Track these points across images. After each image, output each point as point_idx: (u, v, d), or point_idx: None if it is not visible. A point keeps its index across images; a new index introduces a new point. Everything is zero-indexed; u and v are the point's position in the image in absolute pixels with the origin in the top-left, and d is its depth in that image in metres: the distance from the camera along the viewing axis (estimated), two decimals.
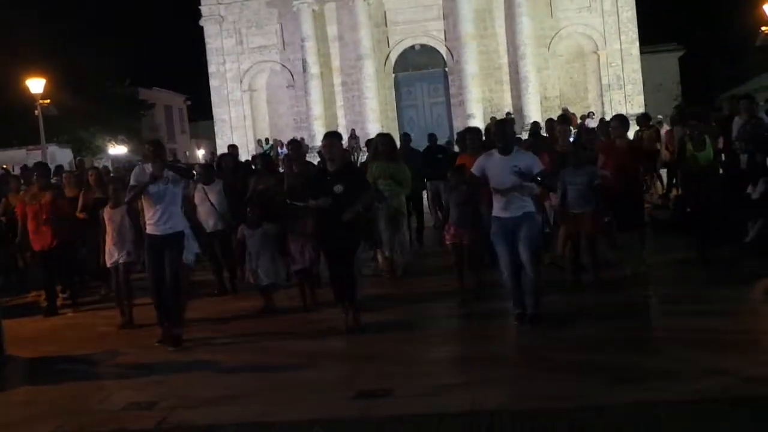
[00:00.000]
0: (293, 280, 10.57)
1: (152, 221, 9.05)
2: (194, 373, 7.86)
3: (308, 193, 9.26)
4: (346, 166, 9.36)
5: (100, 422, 6.58)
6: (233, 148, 19.09)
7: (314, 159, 23.05)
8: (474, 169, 8.75)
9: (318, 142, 32.05)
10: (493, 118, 34.37)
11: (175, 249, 9.07)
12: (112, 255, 10.49)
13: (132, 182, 9.13)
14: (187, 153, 54.54)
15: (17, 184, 14.71)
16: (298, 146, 13.10)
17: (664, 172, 18.88)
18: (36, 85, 28.85)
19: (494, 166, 8.53)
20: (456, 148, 16.54)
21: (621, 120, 11.36)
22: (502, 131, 8.96)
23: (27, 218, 11.94)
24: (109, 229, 10.51)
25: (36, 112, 28.81)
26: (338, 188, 8.73)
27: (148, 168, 9.03)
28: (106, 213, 10.60)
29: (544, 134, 15.46)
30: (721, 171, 12.53)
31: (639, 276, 10.50)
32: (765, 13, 27.79)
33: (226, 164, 13.89)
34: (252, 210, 10.60)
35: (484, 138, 12.54)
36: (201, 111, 50.27)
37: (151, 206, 9.03)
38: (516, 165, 8.38)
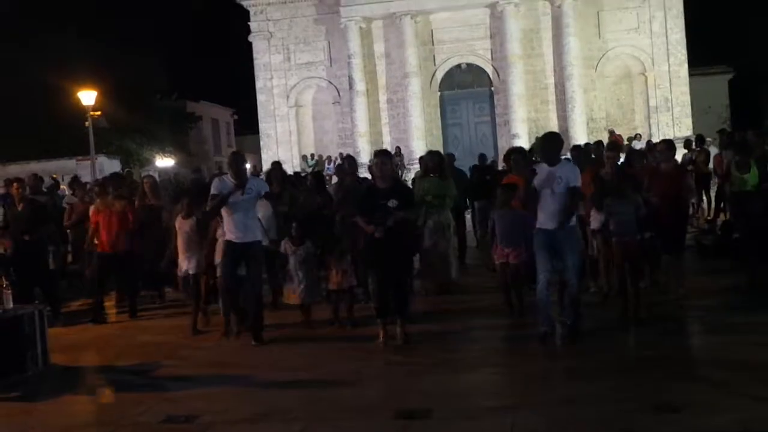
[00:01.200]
0: (331, 298, 10.58)
1: (231, 229, 9.45)
2: (233, 387, 7.88)
3: (359, 208, 9.39)
4: (396, 183, 9.52)
5: None
6: (277, 165, 19.10)
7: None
8: (535, 184, 8.77)
9: (363, 159, 32.18)
10: (537, 138, 34.23)
11: (255, 257, 9.51)
12: (182, 265, 10.72)
13: (213, 192, 9.52)
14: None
15: (82, 193, 15.02)
16: (353, 160, 13.23)
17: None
18: (87, 97, 29.28)
19: (542, 178, 8.60)
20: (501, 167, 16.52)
21: (668, 144, 11.28)
22: (547, 143, 9.08)
23: (99, 225, 12.22)
24: (180, 239, 10.72)
25: (86, 123, 29.24)
26: (393, 203, 8.91)
27: (229, 179, 9.42)
28: (178, 223, 10.83)
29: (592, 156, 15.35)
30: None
31: (678, 300, 10.37)
32: None
33: (276, 179, 13.84)
34: (297, 227, 10.65)
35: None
36: (247, 125, 50.69)
37: (230, 215, 9.42)
38: (560, 176, 8.58)
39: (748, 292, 10.57)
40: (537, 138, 33.01)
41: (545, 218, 8.64)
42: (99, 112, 30.30)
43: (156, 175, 32.22)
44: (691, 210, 17.64)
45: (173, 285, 12.70)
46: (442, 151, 27.64)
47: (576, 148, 14.01)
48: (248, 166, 12.83)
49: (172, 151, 43.77)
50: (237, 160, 9.76)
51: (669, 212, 10.39)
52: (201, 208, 10.27)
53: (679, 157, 19.16)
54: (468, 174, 16.62)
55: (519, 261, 9.98)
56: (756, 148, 13.71)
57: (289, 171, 29.35)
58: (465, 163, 20.68)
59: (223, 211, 9.55)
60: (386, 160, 9.40)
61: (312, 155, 38.35)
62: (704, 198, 19.79)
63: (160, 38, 45.85)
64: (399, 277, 9.15)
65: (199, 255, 10.64)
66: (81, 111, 29.82)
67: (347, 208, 10.73)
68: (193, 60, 49.99)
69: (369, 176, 14.02)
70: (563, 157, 15.81)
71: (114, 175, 14.03)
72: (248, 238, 9.46)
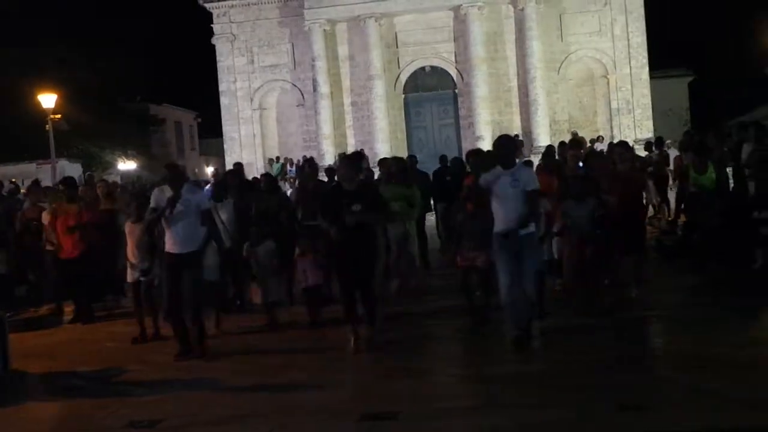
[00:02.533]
0: (298, 299, 10.57)
1: (171, 240, 9.21)
2: (198, 392, 7.84)
3: (324, 211, 9.33)
4: (363, 186, 9.49)
5: None
6: (238, 166, 19.02)
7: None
8: (481, 181, 8.82)
9: (328, 161, 32.18)
10: None
11: (195, 268, 9.20)
12: (132, 270, 10.58)
13: (152, 204, 9.31)
14: (196, 170, 54.63)
15: (36, 197, 14.82)
16: (314, 163, 13.21)
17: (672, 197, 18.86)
18: (47, 99, 28.95)
19: (496, 182, 8.62)
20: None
21: (625, 146, 11.43)
22: (500, 146, 9.07)
23: (55, 229, 12.12)
24: (129, 243, 10.60)
25: (47, 126, 28.92)
26: (356, 207, 8.89)
27: (167, 191, 9.17)
28: (127, 227, 10.70)
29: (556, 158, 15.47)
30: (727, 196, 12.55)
31: (635, 300, 10.50)
32: None
33: (232, 182, 13.76)
34: (256, 228, 10.64)
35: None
36: (211, 128, 50.40)
37: (169, 226, 9.18)
38: (516, 179, 8.55)
39: (708, 292, 10.71)
40: None
41: (502, 222, 8.66)
42: (59, 115, 29.97)
43: (118, 179, 32.07)
44: (652, 211, 17.87)
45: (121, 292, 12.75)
46: (406, 154, 27.84)
47: (545, 155, 14.14)
48: (211, 169, 12.64)
49: (134, 154, 43.41)
50: (171, 175, 9.39)
51: (627, 213, 10.50)
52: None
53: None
54: (431, 176, 16.64)
55: (488, 265, 10.00)
56: (715, 150, 13.90)
57: (254, 174, 29.30)
58: (430, 165, 20.73)
59: (163, 222, 9.31)
60: (353, 164, 9.42)
61: (277, 158, 38.26)
62: (662, 201, 20.03)
63: (122, 41, 45.49)
64: (364, 281, 9.11)
65: (150, 260, 10.46)
66: (41, 114, 29.49)
67: (310, 211, 10.74)
68: (156, 63, 49.58)
69: (327, 179, 14.07)
70: (525, 159, 15.97)
71: (66, 178, 13.88)
72: (186, 248, 9.15)
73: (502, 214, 8.64)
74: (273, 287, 10.41)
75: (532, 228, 8.71)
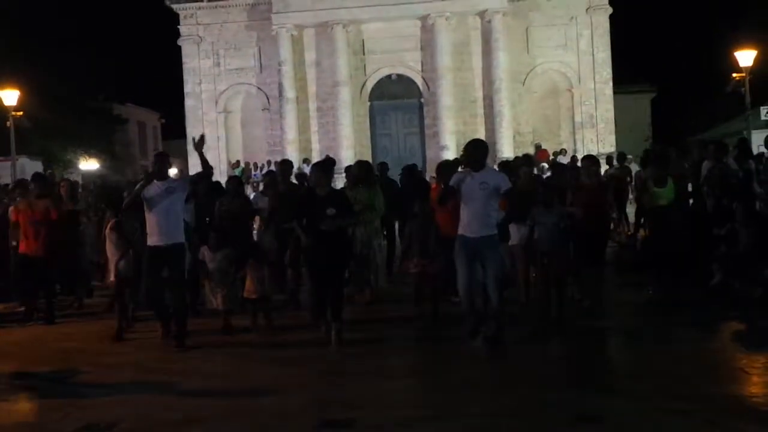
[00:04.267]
0: (246, 306, 10.54)
1: (151, 232, 9.31)
2: (154, 394, 7.78)
3: (299, 214, 9.51)
4: (334, 191, 9.62)
5: None
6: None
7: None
8: (452, 182, 8.87)
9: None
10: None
11: (178, 260, 9.38)
12: (113, 270, 10.66)
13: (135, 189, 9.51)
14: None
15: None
16: (287, 166, 13.15)
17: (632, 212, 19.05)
18: (9, 96, 28.64)
19: (464, 182, 8.68)
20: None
21: (591, 160, 11.55)
22: (472, 148, 9.12)
23: (22, 225, 11.99)
24: (109, 244, 10.58)
25: (8, 123, 28.59)
26: (331, 211, 9.07)
27: (155, 183, 9.33)
28: (108, 228, 10.69)
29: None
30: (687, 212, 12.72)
31: (587, 310, 10.61)
32: (736, 60, 28.27)
33: (202, 185, 13.64)
34: (215, 233, 10.59)
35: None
36: (175, 130, 50.07)
37: (150, 216, 9.28)
38: (484, 181, 8.61)
39: (665, 307, 10.84)
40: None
41: (467, 225, 8.71)
42: (21, 113, 29.62)
43: (79, 178, 31.74)
44: (612, 225, 18.03)
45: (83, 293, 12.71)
46: (371, 161, 27.84)
47: (503, 165, 14.18)
48: (174, 171, 12.52)
49: (96, 153, 42.99)
50: (158, 158, 9.74)
51: (590, 226, 10.62)
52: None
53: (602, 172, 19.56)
54: (399, 184, 16.67)
55: (437, 271, 10.08)
56: (675, 164, 14.07)
57: (217, 177, 29.14)
58: (393, 173, 20.73)
59: (146, 214, 9.41)
60: (326, 170, 9.65)
61: (238, 162, 38.14)
62: (623, 215, 20.23)
63: (87, 39, 45.08)
64: (336, 283, 9.27)
65: (128, 259, 10.49)
66: (3, 111, 29.13)
67: (283, 214, 10.79)
68: (122, 62, 49.21)
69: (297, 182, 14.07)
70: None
71: (36, 175, 13.71)
72: (169, 240, 9.30)
73: (466, 216, 8.72)
74: (231, 293, 10.37)
75: (494, 231, 8.78)
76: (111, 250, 10.67)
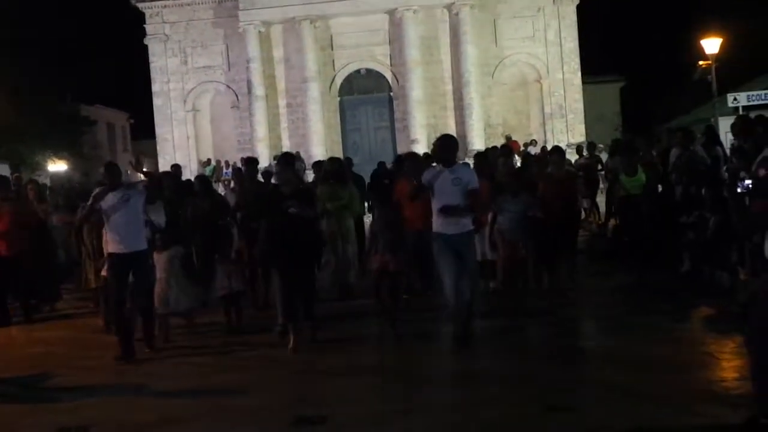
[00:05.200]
0: (216, 304, 10.48)
1: (114, 239, 9.20)
2: (127, 396, 7.75)
3: (261, 213, 9.50)
4: (299, 190, 9.56)
5: None
6: (176, 168, 18.76)
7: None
8: (424, 178, 8.86)
9: (263, 163, 31.96)
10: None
11: (141, 266, 9.31)
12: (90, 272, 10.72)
13: (90, 203, 9.38)
14: (129, 172, 53.83)
15: None
16: (253, 163, 13.08)
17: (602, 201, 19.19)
18: None
19: (437, 178, 8.67)
20: None
21: (559, 153, 11.63)
22: (443, 144, 9.13)
23: None
24: (87, 247, 10.56)
25: None
26: (293, 209, 8.96)
27: (110, 193, 9.21)
28: (85, 232, 10.60)
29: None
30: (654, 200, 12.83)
31: (566, 303, 10.67)
32: (703, 47, 28.50)
33: (167, 185, 13.56)
34: (160, 235, 10.45)
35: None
36: (144, 130, 49.73)
37: (111, 224, 9.19)
38: (457, 177, 8.63)
39: (636, 295, 10.93)
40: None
41: (448, 222, 8.70)
42: None
43: (47, 180, 31.45)
44: (583, 215, 18.15)
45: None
46: (341, 156, 27.83)
47: (478, 156, 14.17)
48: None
49: (65, 155, 42.59)
50: (107, 166, 9.63)
51: (561, 217, 10.68)
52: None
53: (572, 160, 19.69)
54: (367, 179, 16.72)
55: (400, 268, 10.06)
56: (644, 153, 14.18)
57: (187, 176, 29.00)
58: (366, 168, 20.79)
59: (105, 222, 9.32)
60: (289, 168, 9.53)
61: (209, 160, 37.97)
62: (593, 204, 20.39)
63: (52, 41, 44.63)
64: (304, 280, 9.20)
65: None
66: None
67: (249, 212, 10.77)
68: (88, 63, 48.72)
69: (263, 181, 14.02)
70: (462, 161, 16.06)
71: None
72: (131, 247, 9.19)
73: (444, 218, 8.69)
74: (182, 294, 10.24)
75: (470, 226, 8.80)
76: (88, 253, 10.61)
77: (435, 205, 8.79)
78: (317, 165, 15.33)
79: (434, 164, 9.25)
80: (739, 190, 6.78)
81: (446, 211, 8.56)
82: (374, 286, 10.09)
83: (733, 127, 11.76)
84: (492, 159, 13.71)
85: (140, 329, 9.56)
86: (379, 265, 9.96)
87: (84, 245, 11.17)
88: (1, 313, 11.93)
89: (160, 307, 10.05)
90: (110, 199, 9.10)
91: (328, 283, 12.15)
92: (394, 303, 9.95)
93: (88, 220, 9.78)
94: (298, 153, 35.57)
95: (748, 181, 6.20)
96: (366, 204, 15.37)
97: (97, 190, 9.42)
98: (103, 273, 10.47)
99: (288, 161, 9.77)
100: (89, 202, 9.32)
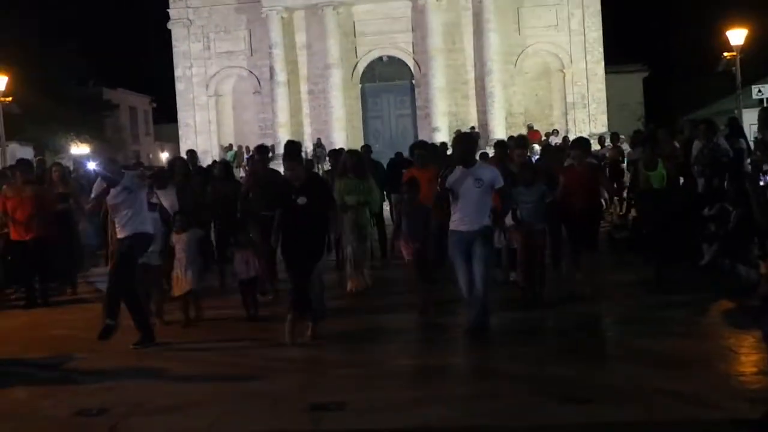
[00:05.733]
0: (231, 290, 10.53)
1: (118, 226, 9.25)
2: (146, 380, 7.80)
3: (272, 203, 9.40)
4: (310, 180, 9.50)
5: (49, 429, 6.52)
6: (191, 153, 18.77)
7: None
8: (448, 183, 8.83)
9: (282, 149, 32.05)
10: (457, 131, 34.60)
11: (136, 248, 9.31)
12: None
13: (93, 194, 9.48)
14: (151, 156, 54.14)
15: None
16: (264, 151, 13.02)
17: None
18: None
19: (460, 181, 8.65)
20: None
21: (582, 145, 11.49)
22: (462, 146, 9.14)
23: (10, 212, 12.01)
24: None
25: None
26: (302, 200, 8.89)
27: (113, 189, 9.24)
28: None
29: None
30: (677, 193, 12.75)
31: (588, 296, 10.61)
32: (728, 39, 28.25)
33: (179, 169, 13.53)
34: (180, 217, 10.52)
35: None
36: (166, 114, 49.99)
37: (114, 213, 9.25)
38: (479, 178, 8.60)
39: (654, 287, 10.88)
40: (457, 131, 33.41)
41: (461, 220, 8.71)
42: (11, 98, 29.51)
43: (71, 164, 31.67)
44: (604, 206, 18.07)
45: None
46: (362, 143, 27.81)
47: (497, 145, 14.12)
48: (166, 155, 12.26)
49: (87, 138, 42.85)
50: (104, 166, 9.55)
51: (583, 210, 10.60)
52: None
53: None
54: (385, 167, 16.69)
55: (423, 254, 10.08)
56: (665, 145, 14.09)
57: (209, 161, 29.13)
58: (386, 156, 20.75)
59: (111, 214, 9.41)
60: (295, 164, 9.35)
61: (230, 145, 38.05)
62: (616, 196, 20.28)
63: (77, 24, 44.90)
64: (310, 273, 9.13)
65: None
66: None
67: (261, 201, 10.74)
68: (111, 47, 49.04)
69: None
70: (481, 151, 16.04)
71: (21, 161, 13.69)
72: (129, 233, 9.22)
73: (462, 213, 8.68)
74: (198, 275, 10.33)
75: (487, 221, 8.79)
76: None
77: (456, 205, 8.76)
78: (334, 153, 15.28)
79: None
80: (762, 183, 6.71)
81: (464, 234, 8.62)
82: (413, 277, 10.11)
83: (759, 119, 11.66)
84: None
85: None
86: (415, 255, 9.96)
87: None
88: (26, 295, 12.05)
89: (179, 287, 10.16)
90: (113, 194, 9.14)
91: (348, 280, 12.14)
92: (430, 292, 9.97)
93: (94, 213, 9.84)
94: (319, 140, 35.72)
95: None
96: (383, 192, 15.31)
97: (100, 184, 9.42)
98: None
99: (294, 152, 9.63)
100: (93, 197, 9.44)
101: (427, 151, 12.09)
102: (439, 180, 8.80)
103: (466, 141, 9.39)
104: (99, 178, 9.71)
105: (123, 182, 9.19)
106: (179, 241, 10.22)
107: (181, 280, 10.18)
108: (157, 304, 10.26)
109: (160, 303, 10.36)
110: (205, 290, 10.61)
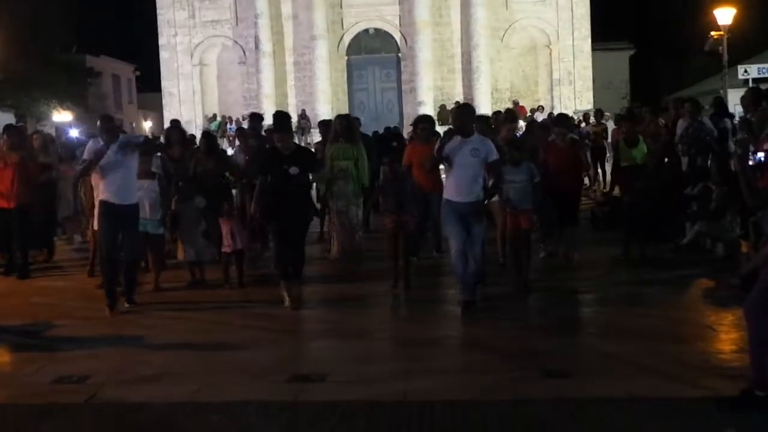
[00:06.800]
0: (222, 260, 10.55)
1: (109, 190, 9.16)
2: (127, 348, 7.79)
3: (260, 171, 9.40)
4: (298, 149, 9.52)
5: (29, 395, 6.49)
6: (176, 122, 18.63)
7: None
8: (444, 150, 8.84)
9: (268, 121, 31.90)
10: (442, 106, 34.57)
11: (134, 221, 9.38)
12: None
13: (85, 155, 9.30)
14: (134, 124, 53.77)
15: None
16: (257, 119, 12.91)
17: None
18: None
19: (456, 149, 8.67)
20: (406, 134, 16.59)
21: (564, 122, 11.53)
22: (462, 115, 9.15)
23: None
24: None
25: None
26: (294, 170, 8.95)
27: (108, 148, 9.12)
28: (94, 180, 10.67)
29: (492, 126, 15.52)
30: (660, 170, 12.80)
31: (571, 268, 10.69)
32: (715, 18, 28.26)
33: (176, 139, 13.40)
34: (184, 183, 10.57)
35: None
36: (149, 82, 49.58)
37: (107, 176, 9.14)
38: (475, 148, 8.63)
39: (635, 265, 10.94)
40: (442, 106, 33.41)
41: (455, 190, 8.72)
42: None
43: (53, 131, 31.40)
44: (587, 182, 18.13)
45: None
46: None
47: (480, 119, 14.08)
48: (149, 124, 12.20)
49: (70, 106, 42.48)
50: (103, 125, 9.40)
51: (564, 185, 10.67)
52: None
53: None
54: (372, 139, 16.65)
55: (412, 227, 10.09)
56: (651, 123, 14.10)
57: (192, 131, 28.97)
58: (370, 128, 20.72)
59: (99, 173, 9.24)
60: (286, 134, 9.38)
61: (215, 115, 37.86)
62: (600, 170, 20.36)
63: None
64: (295, 240, 9.22)
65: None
66: None
67: (250, 171, 10.75)
68: (95, 13, 48.49)
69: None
70: None
71: (8, 126, 13.53)
72: (125, 200, 9.21)
73: (456, 182, 8.71)
74: (199, 245, 10.40)
75: (481, 195, 8.81)
76: (83, 206, 10.66)
77: (450, 174, 8.79)
78: (323, 125, 15.24)
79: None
80: (750, 163, 6.72)
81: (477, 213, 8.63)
82: (388, 246, 10.13)
83: (743, 99, 11.67)
84: (495, 124, 13.63)
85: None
86: (392, 225, 9.97)
87: (80, 197, 11.21)
88: (7, 263, 11.98)
89: (189, 255, 10.43)
90: (108, 155, 9.05)
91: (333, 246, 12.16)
92: (406, 263, 9.98)
93: (86, 175, 9.73)
94: (303, 111, 35.61)
95: (761, 154, 6.13)
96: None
97: (94, 144, 9.32)
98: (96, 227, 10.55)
99: (284, 121, 9.61)
100: (88, 158, 9.22)
101: (430, 126, 11.93)
102: (437, 147, 8.83)
103: (466, 111, 9.42)
104: (92, 140, 9.64)
105: (120, 141, 9.15)
106: (185, 210, 10.26)
107: (182, 248, 10.33)
108: (156, 272, 10.33)
109: (158, 271, 10.40)
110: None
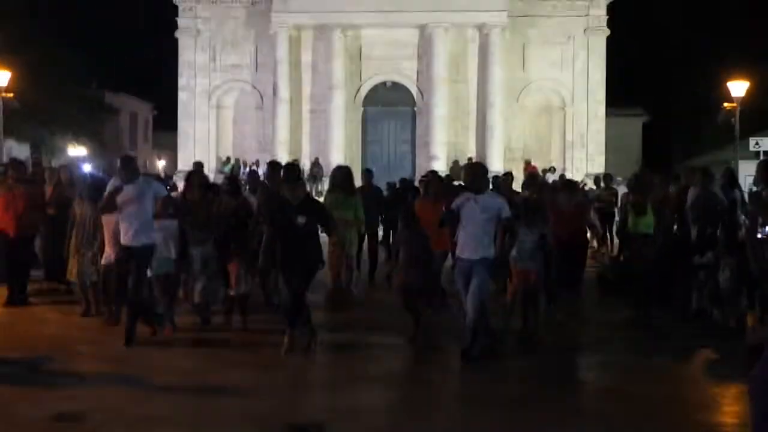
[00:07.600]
0: (227, 303, 10.56)
1: (125, 232, 9.41)
2: (127, 388, 7.77)
3: (271, 222, 9.47)
4: (307, 199, 9.57)
5: None
6: (199, 166, 18.69)
7: None
8: (453, 205, 8.92)
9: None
10: (455, 162, 34.69)
11: (145, 260, 9.50)
12: (108, 256, 10.63)
13: (107, 192, 9.55)
14: (147, 163, 54.06)
15: None
16: (275, 168, 12.93)
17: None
18: (1, 76, 28.44)
19: (466, 206, 8.73)
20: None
21: (569, 187, 11.61)
22: (474, 173, 9.24)
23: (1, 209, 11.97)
24: (107, 231, 10.64)
25: None
26: (301, 219, 9.03)
27: (126, 187, 9.36)
28: (105, 217, 10.72)
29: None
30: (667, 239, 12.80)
31: (574, 331, 10.66)
32: (728, 90, 28.44)
33: (197, 182, 13.39)
34: (198, 229, 10.59)
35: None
36: (167, 122, 49.90)
37: (124, 217, 9.40)
38: (487, 207, 8.77)
39: (638, 330, 10.91)
40: (455, 162, 33.50)
41: (466, 247, 8.78)
42: (12, 94, 29.42)
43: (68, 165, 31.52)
44: (596, 246, 18.12)
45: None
46: (360, 166, 27.84)
47: (495, 179, 14.23)
48: (163, 163, 12.25)
49: (85, 141, 42.75)
50: (124, 161, 9.70)
51: (568, 249, 10.73)
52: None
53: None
54: (384, 192, 16.70)
55: (422, 285, 10.06)
56: (659, 191, 14.12)
57: (205, 171, 29.07)
58: (382, 180, 20.77)
59: (118, 214, 9.49)
60: (297, 186, 9.45)
61: (228, 158, 38.06)
62: (608, 235, 20.32)
63: (83, 25, 44.97)
64: (297, 287, 9.19)
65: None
66: None
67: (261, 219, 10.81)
68: (117, 51, 49.11)
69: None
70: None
71: (13, 160, 13.86)
72: (135, 241, 9.36)
73: (463, 239, 8.80)
74: (208, 288, 10.41)
75: (487, 254, 8.82)
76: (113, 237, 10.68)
77: (460, 230, 8.85)
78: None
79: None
80: (759, 236, 6.74)
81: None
82: (402, 302, 10.14)
83: (757, 173, 11.68)
84: (504, 185, 13.77)
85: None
86: (402, 283, 9.96)
87: (68, 239, 11.24)
88: (8, 293, 12.00)
89: (204, 299, 10.44)
90: (126, 194, 9.21)
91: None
92: (416, 319, 9.96)
93: (105, 212, 9.85)
94: (317, 159, 35.76)
95: None
96: (380, 216, 15.30)
97: (113, 183, 9.52)
98: (103, 263, 10.58)
99: (294, 177, 9.68)
100: (107, 195, 9.43)
101: (441, 185, 12.07)
102: (447, 203, 8.94)
103: (478, 168, 9.55)
104: (112, 178, 9.80)
105: (138, 181, 9.30)
106: (195, 255, 10.31)
107: (190, 292, 10.41)
108: (168, 312, 10.30)
109: (172, 310, 10.40)
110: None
